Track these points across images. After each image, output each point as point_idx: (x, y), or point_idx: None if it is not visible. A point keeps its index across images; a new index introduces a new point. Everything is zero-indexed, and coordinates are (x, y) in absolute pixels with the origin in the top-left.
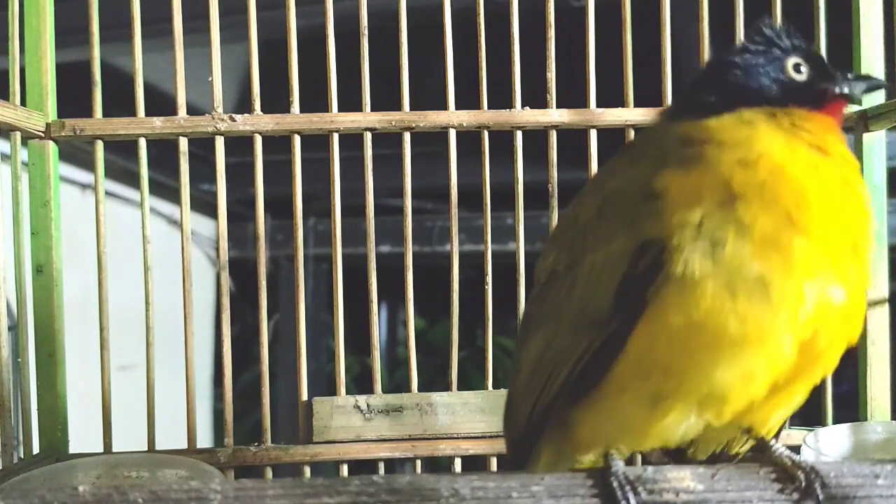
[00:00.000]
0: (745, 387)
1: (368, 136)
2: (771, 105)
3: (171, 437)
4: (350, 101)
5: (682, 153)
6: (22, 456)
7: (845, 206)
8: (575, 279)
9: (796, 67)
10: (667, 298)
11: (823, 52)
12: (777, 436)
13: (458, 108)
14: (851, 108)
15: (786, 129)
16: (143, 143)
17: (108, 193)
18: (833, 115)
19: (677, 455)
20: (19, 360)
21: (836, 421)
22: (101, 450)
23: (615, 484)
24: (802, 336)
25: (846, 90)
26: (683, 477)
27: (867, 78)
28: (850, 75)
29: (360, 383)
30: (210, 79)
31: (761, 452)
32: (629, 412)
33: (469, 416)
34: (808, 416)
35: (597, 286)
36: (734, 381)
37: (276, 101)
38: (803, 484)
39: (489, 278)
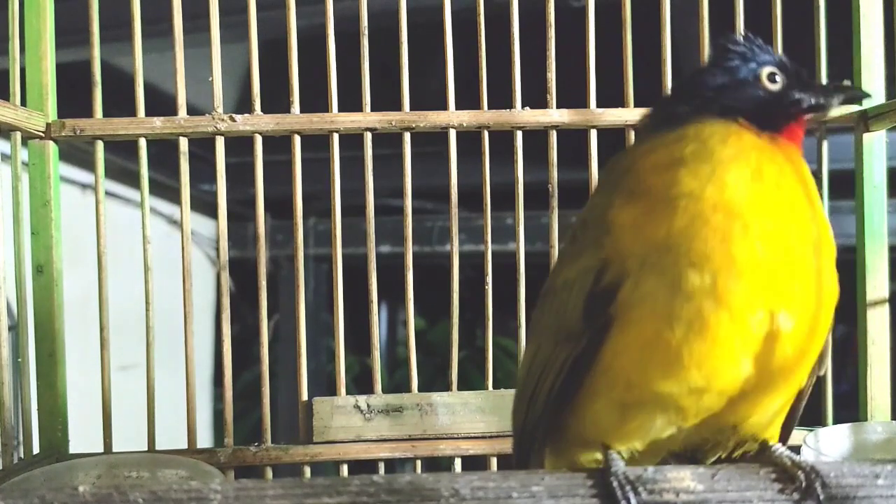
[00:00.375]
0: (697, 401)
1: (368, 136)
2: (739, 115)
3: (171, 437)
4: (350, 101)
5: (628, 184)
6: (22, 456)
7: (790, 233)
8: (554, 295)
9: (771, 77)
10: (624, 317)
11: (823, 52)
12: (783, 439)
13: (458, 108)
14: (851, 109)
15: (736, 152)
16: (143, 143)
17: (108, 193)
18: (798, 129)
19: (680, 459)
20: (19, 359)
21: (836, 421)
22: (101, 450)
23: (615, 484)
24: (750, 354)
25: (821, 101)
26: (683, 477)
27: (847, 88)
28: (832, 85)
29: (360, 383)
30: (210, 79)
31: (761, 453)
32: (602, 417)
33: (469, 416)
34: (808, 416)
35: (567, 302)
36: (686, 395)
37: (276, 101)
38: (803, 484)
39: (489, 278)
